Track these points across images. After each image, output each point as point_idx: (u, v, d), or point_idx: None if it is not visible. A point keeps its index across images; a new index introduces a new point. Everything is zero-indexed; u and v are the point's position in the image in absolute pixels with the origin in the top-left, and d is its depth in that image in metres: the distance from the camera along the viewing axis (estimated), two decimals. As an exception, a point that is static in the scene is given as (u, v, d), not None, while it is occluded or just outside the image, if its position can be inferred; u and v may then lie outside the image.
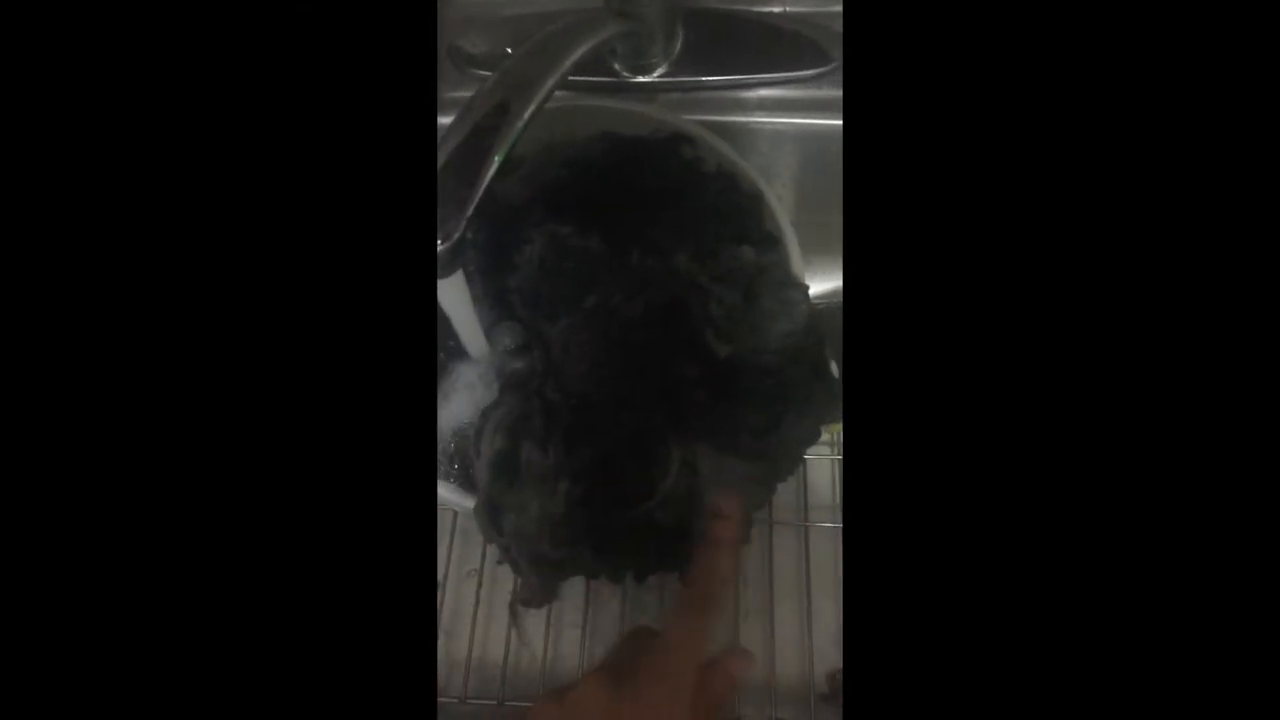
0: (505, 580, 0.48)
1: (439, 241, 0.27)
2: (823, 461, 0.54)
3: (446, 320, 0.33)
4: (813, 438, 0.34)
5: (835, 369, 0.37)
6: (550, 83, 0.31)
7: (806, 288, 0.36)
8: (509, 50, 0.49)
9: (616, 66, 0.46)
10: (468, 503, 0.34)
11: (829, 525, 0.53)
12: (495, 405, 0.33)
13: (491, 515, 0.32)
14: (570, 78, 0.41)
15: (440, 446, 0.36)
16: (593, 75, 0.46)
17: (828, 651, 0.51)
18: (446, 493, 0.34)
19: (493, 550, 0.49)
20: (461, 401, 0.36)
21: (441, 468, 0.35)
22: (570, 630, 0.48)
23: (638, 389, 0.33)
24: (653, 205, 0.38)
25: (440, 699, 0.47)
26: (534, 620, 0.49)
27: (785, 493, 0.54)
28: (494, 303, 0.36)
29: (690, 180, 0.40)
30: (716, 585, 0.30)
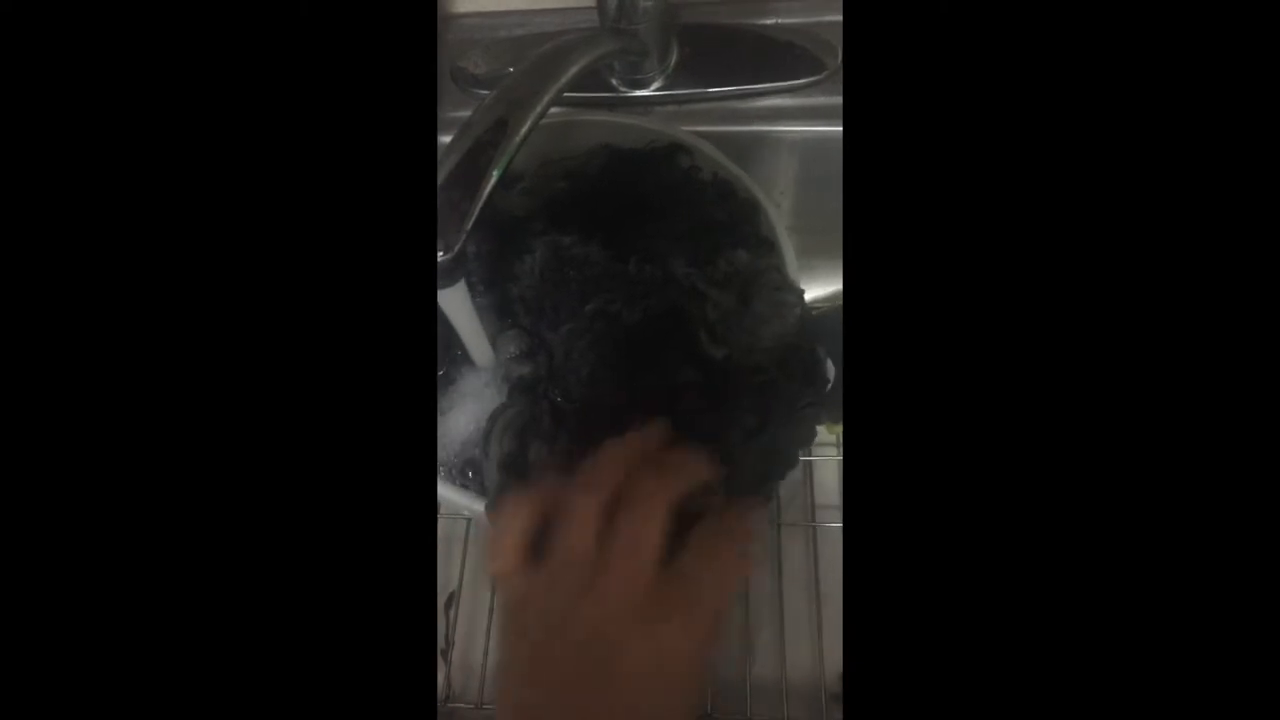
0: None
1: (440, 253, 0.28)
2: (830, 462, 0.55)
3: (452, 330, 0.34)
4: (807, 439, 0.35)
5: (831, 371, 0.38)
6: (546, 99, 0.32)
7: (801, 291, 0.37)
8: (510, 70, 0.51)
9: (614, 81, 0.47)
10: (475, 505, 0.35)
11: (835, 525, 0.54)
12: (503, 408, 0.34)
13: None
14: (568, 93, 0.43)
15: (453, 453, 0.37)
16: (591, 91, 0.47)
17: (838, 651, 0.51)
18: (462, 499, 0.35)
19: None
20: (470, 408, 0.37)
21: (455, 475, 0.36)
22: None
23: (638, 392, 0.34)
24: (651, 214, 0.39)
25: (456, 705, 0.48)
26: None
27: (793, 493, 0.55)
28: (499, 311, 0.38)
29: (687, 189, 0.41)
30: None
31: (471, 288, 0.33)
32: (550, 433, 0.33)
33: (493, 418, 0.34)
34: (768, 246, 0.39)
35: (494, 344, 0.36)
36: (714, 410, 0.33)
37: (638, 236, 0.38)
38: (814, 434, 0.35)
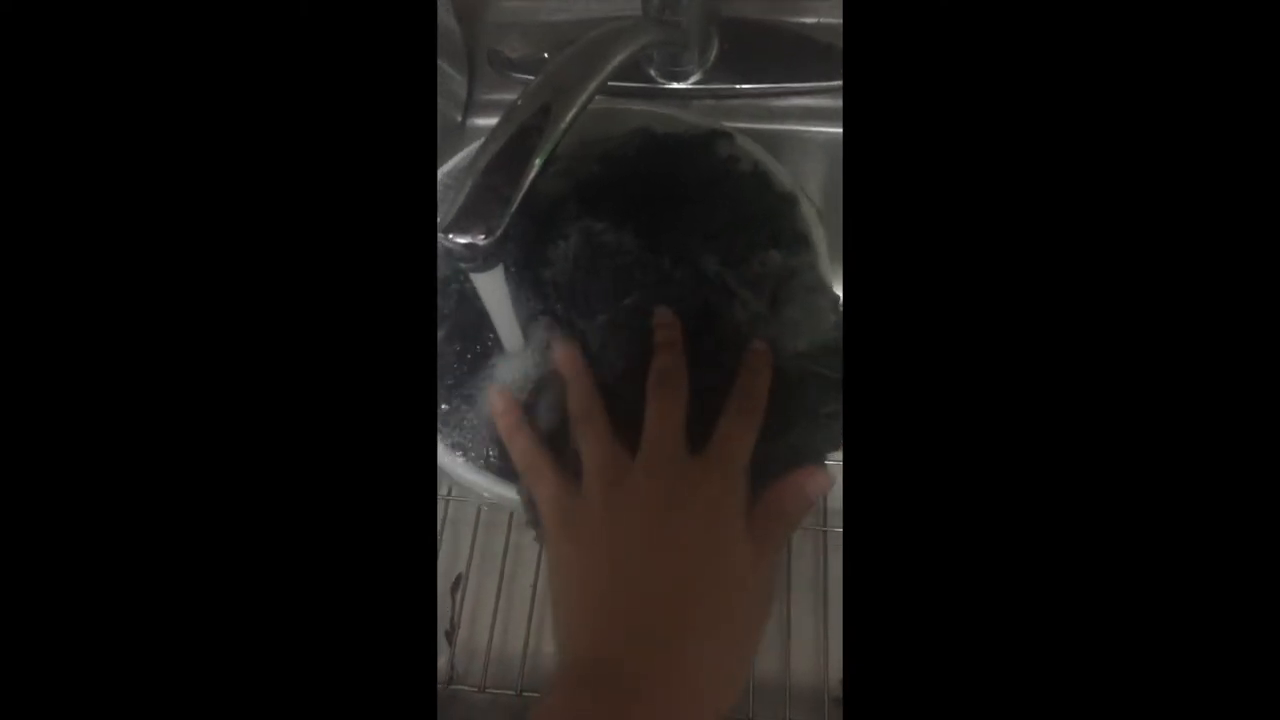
0: (526, 574, 0.49)
1: (482, 237, 0.28)
2: (839, 468, 0.55)
3: (485, 314, 0.34)
4: (833, 443, 0.35)
5: None
6: (592, 86, 0.32)
7: (837, 296, 0.36)
8: (546, 55, 0.50)
9: (652, 72, 0.47)
10: (500, 489, 0.35)
11: (840, 530, 0.54)
12: (537, 394, 0.34)
13: (532, 502, 0.33)
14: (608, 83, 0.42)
15: (480, 435, 0.37)
16: (629, 80, 0.47)
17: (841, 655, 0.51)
18: (483, 480, 0.35)
19: (515, 542, 0.50)
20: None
21: (480, 457, 0.36)
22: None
23: None
24: (686, 203, 0.39)
25: (459, 687, 0.48)
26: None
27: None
28: (530, 296, 0.37)
29: (727, 180, 0.40)
30: (756, 400, 0.32)
31: (504, 271, 0.33)
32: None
33: (525, 406, 0.34)
34: (803, 243, 0.38)
35: (525, 330, 0.36)
36: None
37: (671, 227, 0.38)
38: (839, 439, 0.35)
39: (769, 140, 0.48)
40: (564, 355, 0.34)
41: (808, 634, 0.51)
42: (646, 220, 0.37)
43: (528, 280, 0.38)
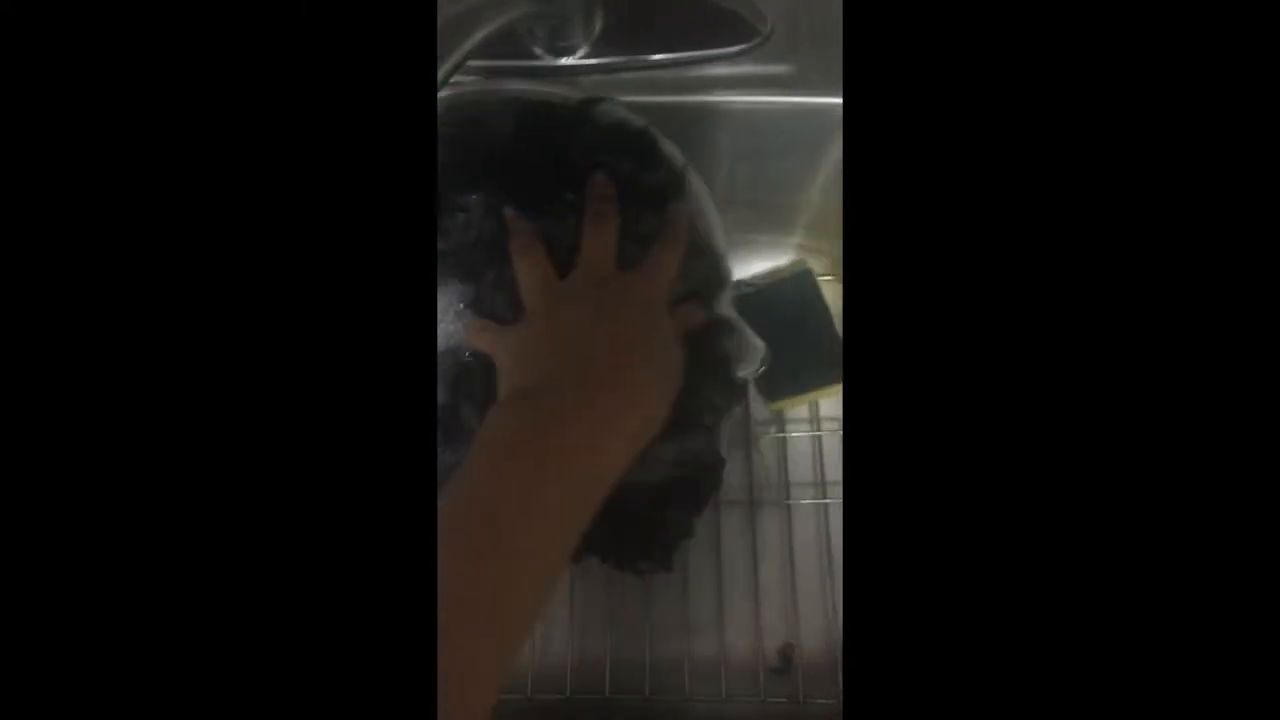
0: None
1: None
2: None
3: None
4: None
5: (761, 349, 0.38)
6: (449, 65, 0.30)
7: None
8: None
9: (536, 49, 0.46)
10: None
11: (772, 502, 0.54)
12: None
13: None
14: (486, 61, 0.41)
15: None
16: (511, 59, 0.46)
17: (778, 626, 0.51)
18: None
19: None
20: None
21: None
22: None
23: None
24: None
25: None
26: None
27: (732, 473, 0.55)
28: None
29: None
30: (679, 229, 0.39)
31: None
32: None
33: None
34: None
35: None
36: None
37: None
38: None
39: (666, 112, 0.47)
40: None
41: (744, 609, 0.51)
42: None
43: None
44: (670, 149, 0.40)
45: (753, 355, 0.40)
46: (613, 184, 0.39)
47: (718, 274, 0.40)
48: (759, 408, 0.56)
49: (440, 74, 0.30)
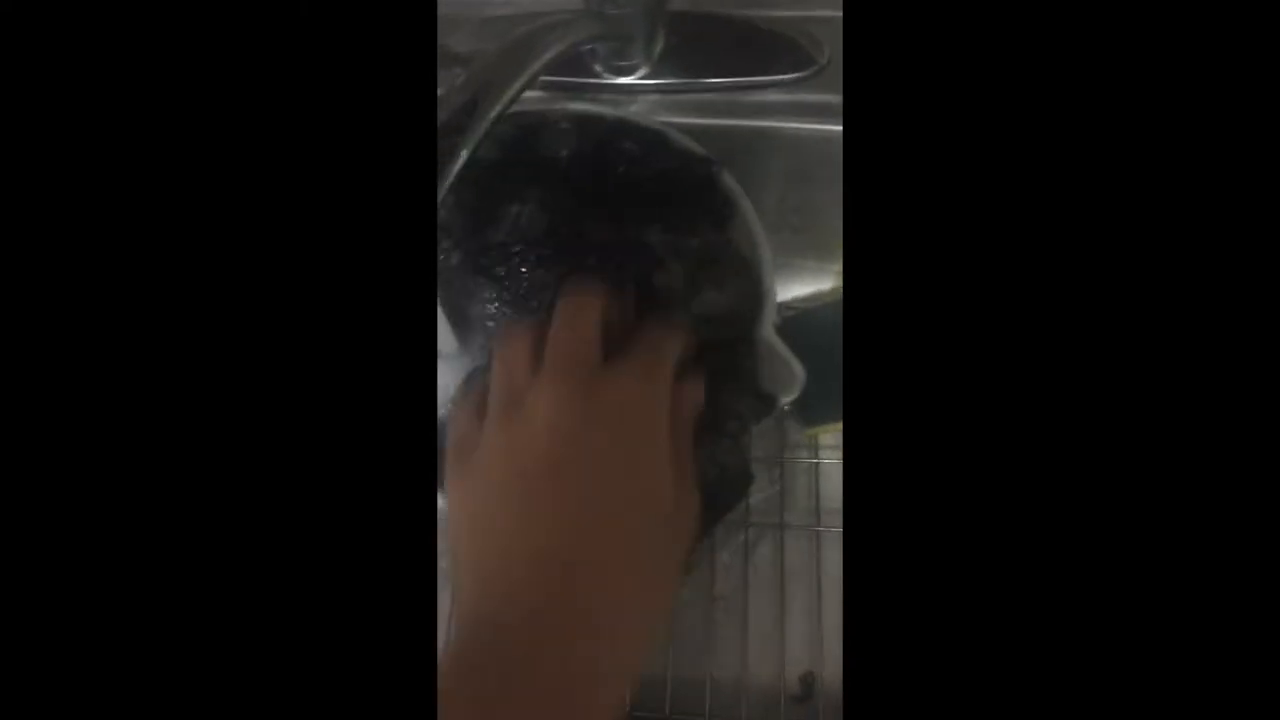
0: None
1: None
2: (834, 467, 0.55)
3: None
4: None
5: (801, 374, 0.38)
6: (519, 84, 0.31)
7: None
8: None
9: (597, 68, 0.46)
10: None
11: (800, 526, 0.53)
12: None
13: None
14: (548, 78, 0.42)
15: None
16: (574, 75, 0.46)
17: (801, 654, 0.51)
18: None
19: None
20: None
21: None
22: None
23: None
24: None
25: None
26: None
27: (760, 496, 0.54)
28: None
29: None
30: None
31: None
32: None
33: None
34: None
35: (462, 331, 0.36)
36: None
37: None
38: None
39: (720, 136, 0.48)
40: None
41: (766, 630, 0.51)
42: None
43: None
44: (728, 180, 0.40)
45: (792, 380, 0.40)
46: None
47: (760, 295, 0.39)
48: (794, 431, 0.56)
49: (510, 93, 0.31)
